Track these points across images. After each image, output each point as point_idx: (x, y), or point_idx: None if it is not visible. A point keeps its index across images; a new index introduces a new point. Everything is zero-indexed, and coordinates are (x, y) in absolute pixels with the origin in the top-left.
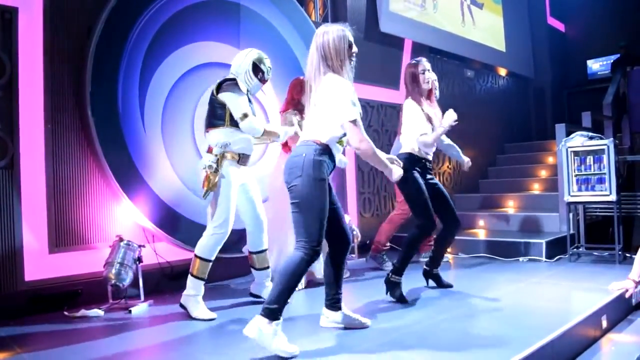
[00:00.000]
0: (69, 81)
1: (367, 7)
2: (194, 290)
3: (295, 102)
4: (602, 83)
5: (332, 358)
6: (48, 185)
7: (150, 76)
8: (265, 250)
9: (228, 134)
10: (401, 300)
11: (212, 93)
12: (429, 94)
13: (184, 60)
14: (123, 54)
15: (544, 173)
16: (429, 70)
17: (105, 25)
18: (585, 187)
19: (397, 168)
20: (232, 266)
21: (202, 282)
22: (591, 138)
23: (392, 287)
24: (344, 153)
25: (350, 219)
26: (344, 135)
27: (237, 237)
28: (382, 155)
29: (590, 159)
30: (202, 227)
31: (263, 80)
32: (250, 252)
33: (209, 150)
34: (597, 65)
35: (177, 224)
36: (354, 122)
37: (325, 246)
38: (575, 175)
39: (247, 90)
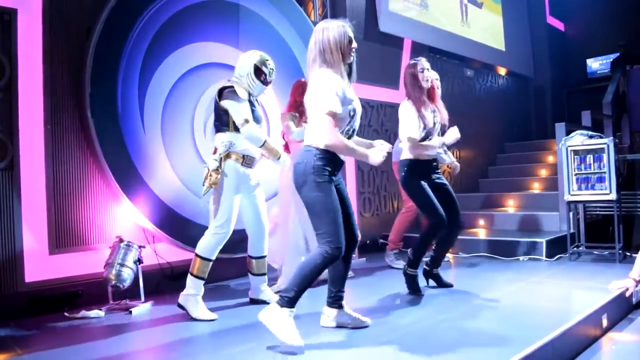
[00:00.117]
0: (69, 82)
1: (366, 7)
2: (194, 289)
3: (297, 105)
4: (602, 82)
5: (332, 357)
6: (48, 186)
7: (150, 76)
8: (264, 257)
9: (233, 137)
10: (416, 292)
11: (215, 99)
12: (431, 93)
13: (183, 61)
14: (122, 54)
15: (544, 172)
16: (427, 69)
17: (105, 25)
18: (585, 186)
19: (374, 152)
20: (232, 266)
21: (202, 282)
22: (591, 137)
23: (409, 279)
24: None
25: None
26: (343, 131)
27: (240, 238)
28: (358, 146)
29: (590, 158)
30: (202, 228)
31: (266, 82)
32: (250, 257)
33: (215, 152)
34: (596, 64)
35: (177, 224)
36: (330, 113)
37: None
38: (575, 174)
39: (250, 94)
